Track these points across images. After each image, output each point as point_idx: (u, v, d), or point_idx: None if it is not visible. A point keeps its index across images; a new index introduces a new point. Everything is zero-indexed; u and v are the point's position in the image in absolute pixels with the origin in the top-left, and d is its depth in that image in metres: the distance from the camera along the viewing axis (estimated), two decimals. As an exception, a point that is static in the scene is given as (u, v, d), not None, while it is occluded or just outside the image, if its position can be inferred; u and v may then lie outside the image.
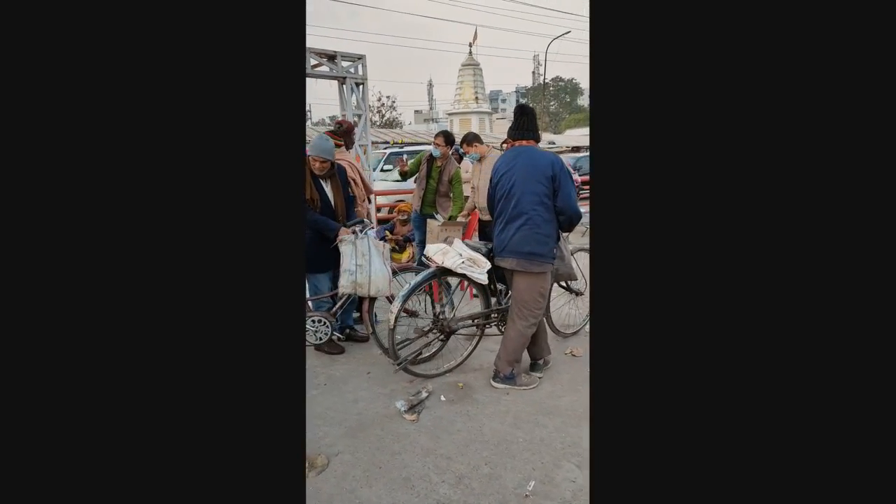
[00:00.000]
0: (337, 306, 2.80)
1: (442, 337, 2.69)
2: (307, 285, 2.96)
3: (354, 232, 2.76)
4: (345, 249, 2.66)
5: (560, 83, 46.17)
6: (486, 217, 3.72)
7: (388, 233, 5.11)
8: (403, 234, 5.10)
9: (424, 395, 2.42)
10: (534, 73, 45.69)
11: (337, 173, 2.95)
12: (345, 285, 2.63)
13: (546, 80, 30.31)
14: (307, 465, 1.89)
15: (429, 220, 3.89)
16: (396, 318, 2.45)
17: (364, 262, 2.62)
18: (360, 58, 4.21)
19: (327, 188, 2.94)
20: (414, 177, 4.12)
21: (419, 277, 2.55)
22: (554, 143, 20.51)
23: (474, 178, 3.88)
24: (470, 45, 27.45)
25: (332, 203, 2.93)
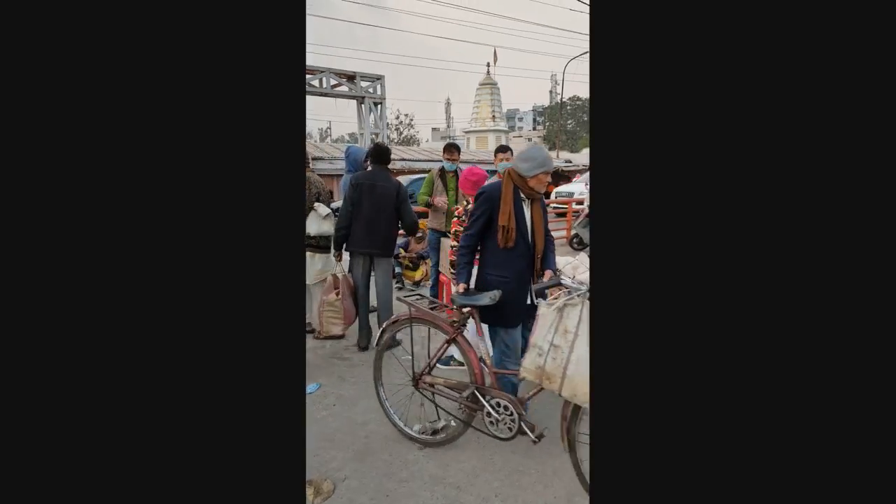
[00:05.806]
0: (530, 395, 1.90)
1: None
2: (496, 346, 2.17)
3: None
4: (545, 314, 1.70)
5: (577, 102, 46.35)
6: None
7: (402, 250, 5.12)
8: (417, 252, 5.10)
9: (440, 424, 2.37)
10: (551, 92, 46.11)
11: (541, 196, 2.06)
12: (527, 368, 1.72)
13: (563, 100, 30.43)
14: (313, 490, 1.85)
15: (443, 240, 3.87)
16: None
17: (564, 344, 1.63)
18: (379, 78, 4.28)
19: (528, 213, 2.03)
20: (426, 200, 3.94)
21: None
22: (570, 162, 20.48)
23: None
24: (488, 66, 27.86)
25: (530, 236, 2.03)
